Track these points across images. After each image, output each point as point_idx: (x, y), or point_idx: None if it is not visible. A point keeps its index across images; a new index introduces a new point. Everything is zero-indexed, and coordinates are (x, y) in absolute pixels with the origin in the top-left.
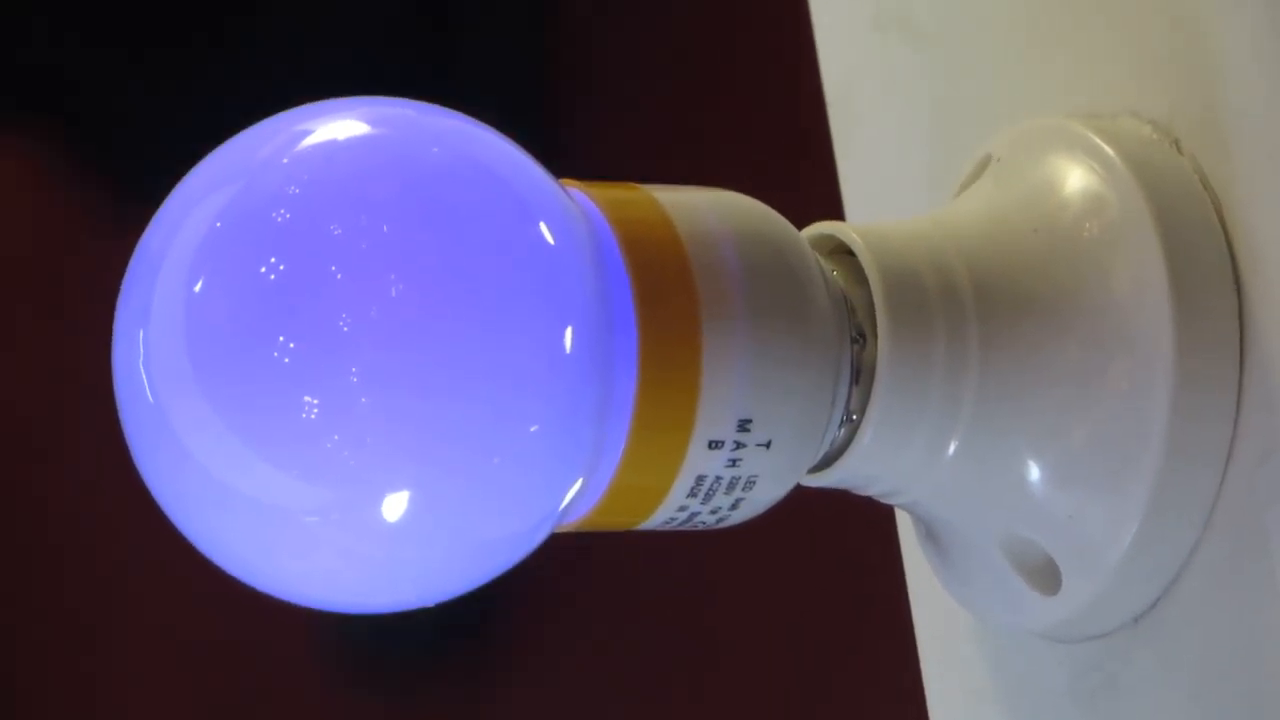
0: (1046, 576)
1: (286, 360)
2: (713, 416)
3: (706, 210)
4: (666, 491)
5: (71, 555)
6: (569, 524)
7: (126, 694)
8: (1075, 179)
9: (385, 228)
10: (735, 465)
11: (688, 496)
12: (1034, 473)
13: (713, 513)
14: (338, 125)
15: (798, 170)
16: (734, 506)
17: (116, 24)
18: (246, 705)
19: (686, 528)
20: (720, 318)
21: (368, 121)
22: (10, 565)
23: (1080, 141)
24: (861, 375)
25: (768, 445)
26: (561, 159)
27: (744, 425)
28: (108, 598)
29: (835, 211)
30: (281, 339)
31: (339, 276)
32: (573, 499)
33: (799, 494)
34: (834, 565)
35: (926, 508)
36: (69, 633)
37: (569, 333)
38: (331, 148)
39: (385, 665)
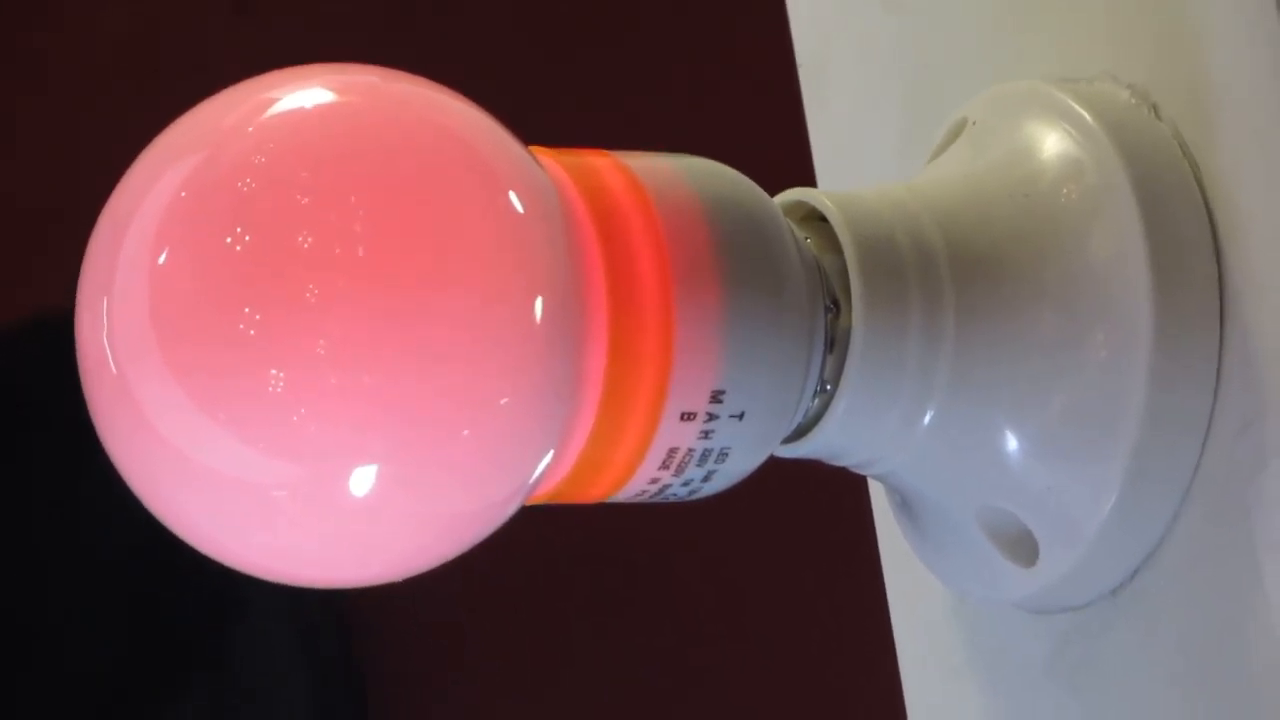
0: (1023, 548)
1: (252, 332)
2: (685, 388)
3: (678, 177)
4: (638, 464)
5: None
6: (539, 496)
7: None
8: (1052, 144)
9: (352, 197)
10: (708, 437)
11: (659, 469)
12: (1011, 443)
13: (685, 485)
14: (304, 93)
15: (769, 136)
16: (706, 479)
17: None
18: None
19: (658, 500)
20: (692, 287)
21: (334, 89)
22: None
23: (1057, 105)
24: (835, 344)
25: (741, 416)
26: (531, 126)
27: (717, 396)
28: None
29: (807, 178)
30: (247, 310)
31: (305, 247)
32: (543, 471)
33: (771, 464)
34: (806, 538)
35: (901, 479)
36: None
37: (538, 303)
38: (298, 116)
39: None
